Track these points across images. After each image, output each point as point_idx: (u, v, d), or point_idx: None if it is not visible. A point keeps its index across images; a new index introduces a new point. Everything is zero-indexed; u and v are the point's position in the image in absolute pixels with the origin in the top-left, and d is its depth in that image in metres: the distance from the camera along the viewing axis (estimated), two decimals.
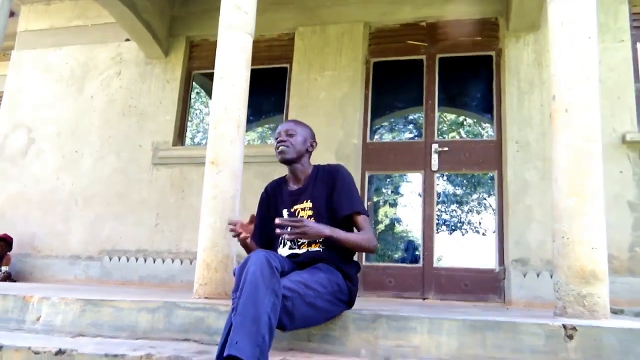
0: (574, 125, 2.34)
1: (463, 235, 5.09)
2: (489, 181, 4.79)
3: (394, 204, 5.52)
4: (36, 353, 2.00)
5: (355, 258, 2.28)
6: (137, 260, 4.90)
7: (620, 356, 1.78)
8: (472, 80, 4.99)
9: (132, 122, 5.26)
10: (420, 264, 4.39)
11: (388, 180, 5.35)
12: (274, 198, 2.33)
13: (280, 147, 2.24)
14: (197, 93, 5.77)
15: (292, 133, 2.27)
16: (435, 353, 1.94)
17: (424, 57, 4.85)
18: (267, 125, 5.78)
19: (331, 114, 4.79)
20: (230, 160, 2.76)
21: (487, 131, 5.02)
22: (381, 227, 5.46)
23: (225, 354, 1.54)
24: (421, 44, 4.88)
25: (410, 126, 5.15)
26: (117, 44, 5.48)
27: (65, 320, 2.38)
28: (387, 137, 5.35)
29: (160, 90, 5.28)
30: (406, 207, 5.31)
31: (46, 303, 2.44)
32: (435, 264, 4.36)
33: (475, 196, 4.86)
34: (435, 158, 4.52)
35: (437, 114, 4.71)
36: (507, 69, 4.51)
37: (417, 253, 4.59)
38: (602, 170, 2.31)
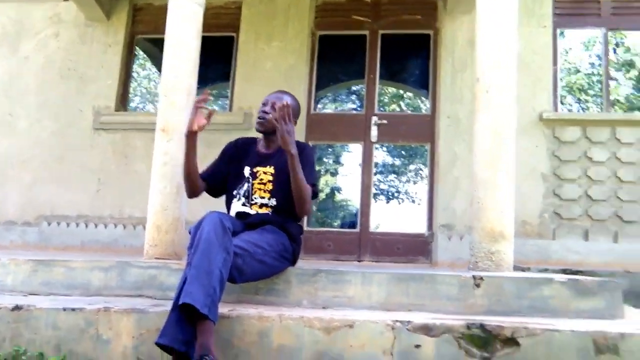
0: (493, 105, 2.66)
1: (398, 203, 5.44)
2: (423, 153, 5.15)
3: (334, 173, 5.80)
4: None
5: (300, 223, 2.51)
6: (77, 225, 4.91)
7: (517, 300, 2.14)
8: (412, 57, 5.28)
9: (71, 86, 5.16)
10: (357, 230, 4.70)
11: (330, 150, 5.60)
12: (241, 153, 2.48)
13: (260, 119, 2.40)
14: (142, 58, 5.71)
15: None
16: (367, 302, 2.22)
17: (367, 32, 5.05)
18: (213, 92, 5.83)
19: (277, 85, 4.86)
20: (181, 128, 2.87)
21: (425, 105, 5.34)
22: (322, 195, 5.73)
23: (180, 302, 1.73)
24: (365, 19, 5.07)
25: (352, 98, 5.39)
26: (54, 3, 5.30)
27: (16, 280, 2.47)
28: (330, 108, 5.58)
29: (102, 54, 5.20)
30: (346, 176, 5.61)
31: None
32: (371, 229, 4.68)
33: (409, 167, 5.20)
34: (374, 130, 4.79)
35: (378, 88, 4.97)
36: (443, 48, 4.81)
37: (354, 219, 4.90)
38: (516, 146, 2.65)
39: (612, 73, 9.99)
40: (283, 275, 2.31)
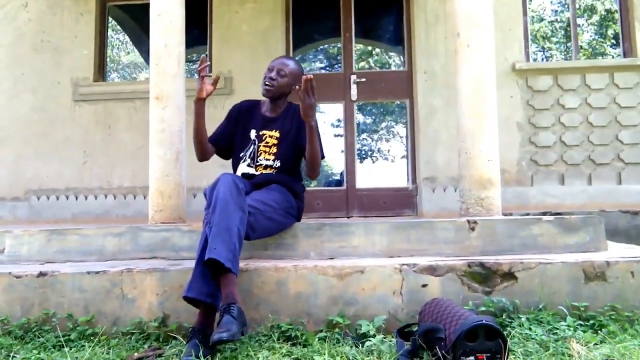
0: (474, 59, 2.79)
1: (381, 159, 5.60)
2: (402, 109, 5.29)
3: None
4: (18, 277, 2.19)
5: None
6: (67, 198, 4.93)
7: (509, 239, 2.34)
8: (385, 13, 5.33)
9: (46, 58, 5.07)
10: (344, 187, 4.86)
11: None
12: (246, 115, 2.58)
13: (267, 85, 2.48)
14: (112, 27, 5.60)
15: (283, 74, 2.49)
16: (371, 250, 2.39)
17: None
18: (189, 56, 5.78)
19: (255, 47, 4.95)
20: (174, 95, 2.94)
21: (394, 60, 5.44)
22: None
23: (206, 257, 1.86)
24: None
25: (330, 57, 5.44)
26: None
27: (31, 249, 2.55)
28: (308, 69, 5.62)
29: (74, 24, 5.09)
30: (329, 136, 5.72)
31: (9, 235, 2.57)
32: (357, 186, 4.85)
33: (390, 123, 5.34)
34: (354, 89, 4.89)
35: (354, 46, 5.03)
36: (415, 3, 4.88)
37: (341, 178, 5.05)
38: (496, 96, 2.80)
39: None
40: (290, 231, 2.45)
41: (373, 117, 5.51)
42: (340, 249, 2.41)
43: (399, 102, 5.23)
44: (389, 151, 5.47)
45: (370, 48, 5.92)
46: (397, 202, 4.81)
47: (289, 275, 2.10)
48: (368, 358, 1.68)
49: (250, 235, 2.15)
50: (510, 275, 2.01)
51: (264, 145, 2.52)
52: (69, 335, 2.06)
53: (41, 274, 2.18)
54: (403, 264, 2.07)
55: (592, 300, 1.99)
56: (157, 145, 2.89)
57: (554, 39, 10.06)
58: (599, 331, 1.84)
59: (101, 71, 5.17)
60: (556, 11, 10.05)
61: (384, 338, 1.80)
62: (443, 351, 1.49)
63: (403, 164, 5.16)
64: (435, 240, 2.38)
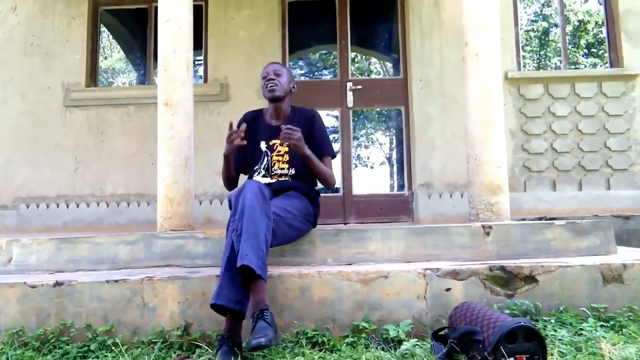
0: (482, 67, 2.85)
1: (377, 165, 5.64)
2: (397, 116, 5.35)
3: None
4: (33, 287, 2.14)
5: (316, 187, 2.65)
6: (58, 206, 4.82)
7: (523, 244, 2.39)
8: (381, 22, 5.40)
9: (37, 62, 4.97)
10: (340, 194, 4.88)
11: None
12: (252, 129, 2.58)
13: (271, 86, 2.51)
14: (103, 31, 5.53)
15: (279, 73, 2.54)
16: (387, 255, 2.41)
17: None
18: None
19: (251, 53, 4.94)
20: (183, 101, 2.92)
21: (383, 68, 5.51)
22: None
23: (238, 264, 1.85)
24: None
25: (326, 65, 5.47)
26: None
27: (40, 259, 2.49)
28: (304, 76, 5.64)
29: (66, 27, 5.01)
30: None
31: (16, 245, 2.51)
32: (354, 192, 4.87)
33: (386, 130, 5.38)
34: (350, 96, 4.93)
35: (350, 53, 5.08)
36: (410, 11, 4.96)
37: (337, 184, 5.07)
38: (502, 103, 2.87)
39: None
40: (307, 237, 2.45)
41: (369, 123, 5.54)
42: (358, 254, 2.43)
43: (394, 110, 5.27)
44: (384, 158, 5.51)
45: (365, 56, 5.96)
46: (394, 208, 4.85)
47: (313, 281, 2.11)
48: None
49: (272, 243, 2.15)
50: (531, 279, 2.06)
51: (276, 155, 2.54)
52: (89, 345, 2.02)
53: (57, 284, 2.13)
54: (426, 269, 2.10)
55: (611, 302, 2.05)
56: (166, 151, 2.87)
57: (543, 49, 10.33)
58: (620, 332, 1.89)
59: (93, 76, 5.09)
60: (534, 21, 10.35)
61: (417, 342, 1.81)
62: (484, 353, 1.52)
63: (399, 170, 5.21)
64: (451, 245, 2.41)
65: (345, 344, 1.94)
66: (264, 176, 2.52)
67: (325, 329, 2.04)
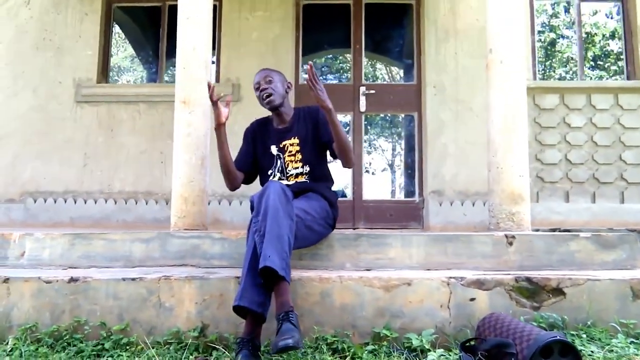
0: (506, 74, 2.81)
1: (388, 171, 5.60)
2: (410, 122, 5.31)
3: None
4: (48, 282, 2.09)
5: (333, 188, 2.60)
6: (65, 201, 4.78)
7: (547, 255, 2.34)
8: (396, 27, 5.38)
9: (48, 57, 4.93)
10: (350, 198, 4.83)
11: None
12: (261, 134, 2.55)
13: (267, 96, 2.45)
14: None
15: (270, 79, 2.48)
16: (407, 262, 2.36)
17: (351, 1, 5.09)
18: None
19: (264, 55, 4.91)
20: (201, 100, 2.88)
21: (407, 75, 5.48)
22: None
23: (260, 265, 1.80)
24: None
25: (339, 68, 5.44)
26: None
27: (53, 254, 2.44)
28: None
29: (79, 23, 4.98)
30: None
31: (29, 239, 2.47)
32: (363, 198, 4.83)
33: (397, 135, 5.34)
34: (363, 100, 4.89)
35: (364, 58, 5.04)
36: (426, 18, 4.93)
37: (347, 189, 5.03)
38: (526, 112, 2.82)
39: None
40: (326, 241, 2.41)
41: (381, 129, 5.51)
42: (377, 260, 2.38)
43: (407, 115, 5.23)
44: (395, 163, 5.47)
45: (378, 61, 5.93)
46: (404, 215, 4.81)
47: (334, 286, 2.06)
48: None
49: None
50: (558, 291, 2.01)
51: (288, 155, 2.49)
52: (103, 344, 1.97)
53: (72, 280, 2.08)
54: (450, 277, 2.05)
55: None
56: (183, 150, 2.83)
57: (560, 59, 10.29)
58: None
59: (104, 72, 5.05)
60: (544, 30, 10.31)
61: (443, 353, 1.76)
62: None
63: (410, 176, 5.17)
64: (473, 254, 2.36)
65: (366, 352, 1.89)
66: (279, 179, 2.48)
67: (345, 336, 1.99)
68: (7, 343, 1.95)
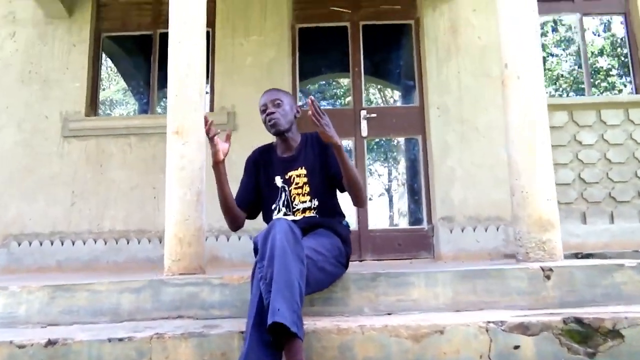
0: (524, 90, 2.59)
1: (394, 198, 5.35)
2: (414, 145, 5.09)
3: None
4: (21, 347, 1.80)
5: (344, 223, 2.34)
6: (52, 243, 4.48)
7: (590, 288, 2.08)
8: (395, 48, 5.21)
9: (34, 90, 4.70)
10: (356, 228, 4.56)
11: None
12: (264, 165, 2.30)
13: (272, 120, 2.20)
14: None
15: (278, 102, 2.24)
16: (433, 303, 2.09)
17: (348, 24, 4.92)
18: None
19: (260, 81, 4.69)
20: (196, 129, 2.63)
21: (407, 98, 5.29)
22: None
23: (270, 321, 1.53)
24: (344, 10, 4.94)
25: (337, 92, 5.25)
26: (7, 0, 4.81)
27: (30, 309, 2.15)
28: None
29: (66, 54, 4.77)
30: None
31: (3, 294, 2.18)
32: (369, 227, 4.56)
33: (402, 160, 5.11)
34: (364, 124, 4.67)
35: (363, 81, 4.85)
36: (426, 38, 4.75)
37: (351, 218, 4.76)
38: (548, 130, 2.59)
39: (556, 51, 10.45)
40: (339, 282, 2.14)
41: (384, 153, 5.29)
42: (398, 302, 2.11)
43: (410, 139, 5.02)
44: (401, 190, 5.22)
45: (378, 83, 5.75)
46: (413, 244, 4.54)
47: (354, 338, 1.78)
48: None
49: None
50: (614, 333, 1.74)
51: (294, 188, 2.23)
52: None
53: (50, 343, 1.79)
54: (489, 322, 1.78)
55: None
56: (176, 184, 2.56)
57: (549, 77, 10.23)
58: None
59: (93, 105, 4.82)
60: (567, 46, 10.25)
61: None
62: None
63: (417, 203, 4.92)
64: (507, 290, 2.10)
65: None
66: (285, 214, 2.22)
67: None
68: None
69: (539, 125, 2.55)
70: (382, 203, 5.33)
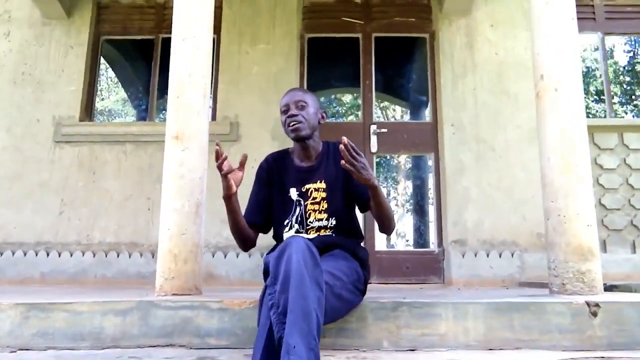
0: (562, 103, 2.36)
1: (404, 218, 5.10)
2: (426, 163, 4.86)
3: None
4: None
5: (362, 244, 2.08)
6: (37, 254, 4.19)
7: None
8: (408, 61, 5.01)
9: (27, 93, 4.47)
10: None
11: None
12: (278, 174, 2.03)
13: (294, 124, 1.94)
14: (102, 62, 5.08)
15: (303, 104, 1.97)
16: (463, 339, 1.82)
17: (359, 35, 4.73)
18: None
19: (265, 91, 4.49)
20: (197, 134, 2.39)
21: (419, 113, 5.07)
22: None
23: None
24: (357, 21, 4.75)
25: (347, 106, 5.03)
26: None
27: (1, 330, 1.87)
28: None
29: (62, 57, 4.55)
30: None
31: None
32: (376, 248, 4.29)
33: (413, 178, 4.87)
34: (374, 140, 4.44)
35: (374, 94, 4.63)
36: (441, 52, 4.56)
37: None
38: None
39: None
40: (355, 311, 1.86)
41: (395, 171, 5.05)
42: (423, 337, 1.83)
43: (423, 156, 4.78)
44: (412, 210, 4.97)
45: (390, 97, 5.54)
46: (422, 267, 4.26)
47: None
48: None
49: None
50: None
51: (311, 203, 1.96)
52: None
53: None
54: None
55: None
56: (173, 194, 2.30)
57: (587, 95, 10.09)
58: None
59: (88, 110, 4.58)
60: (588, 68, 10.08)
61: None
62: None
63: (427, 224, 4.66)
64: (547, 327, 1.83)
65: None
66: (297, 231, 1.95)
67: None
68: None
69: (578, 141, 2.31)
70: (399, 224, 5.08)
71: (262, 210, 2.00)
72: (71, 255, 4.19)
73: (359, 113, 4.61)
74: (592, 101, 9.76)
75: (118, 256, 4.19)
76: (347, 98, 5.31)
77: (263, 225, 2.02)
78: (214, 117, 4.49)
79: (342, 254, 1.85)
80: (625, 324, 1.83)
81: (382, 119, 5.54)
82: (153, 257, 4.09)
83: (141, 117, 5.67)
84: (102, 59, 4.99)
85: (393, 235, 5.06)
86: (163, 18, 4.70)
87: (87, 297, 2.15)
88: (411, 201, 5.23)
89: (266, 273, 1.53)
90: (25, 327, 1.87)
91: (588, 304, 1.85)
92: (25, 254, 4.18)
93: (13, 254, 4.18)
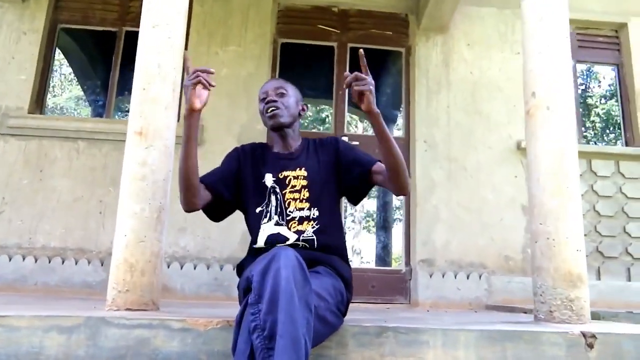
0: (554, 123, 2.28)
1: (371, 235, 4.94)
2: None
3: None
4: None
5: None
6: None
7: None
8: (384, 75, 4.90)
9: None
10: None
11: None
12: (253, 160, 1.84)
13: (272, 110, 1.77)
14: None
15: (282, 92, 1.82)
16: None
17: (335, 44, 4.60)
18: None
19: (234, 95, 4.27)
20: (164, 130, 2.16)
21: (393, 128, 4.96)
22: None
23: None
24: (333, 29, 4.62)
25: (319, 115, 4.86)
26: None
27: None
28: None
29: (14, 43, 4.19)
30: None
31: None
32: None
33: (382, 194, 4.74)
34: None
35: (347, 106, 4.49)
36: (416, 68, 4.48)
37: None
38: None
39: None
40: (334, 336, 1.67)
41: None
42: None
43: None
44: (379, 227, 4.83)
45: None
46: (388, 287, 4.12)
47: None
48: None
49: None
50: None
51: (290, 192, 1.77)
52: None
53: None
54: None
55: None
56: (132, 197, 2.05)
57: None
58: None
59: (39, 102, 4.23)
60: None
61: None
62: None
63: (395, 242, 4.53)
64: (541, 359, 1.69)
65: None
66: (277, 223, 1.74)
67: None
68: None
69: (569, 162, 2.23)
70: (356, 240, 4.91)
71: (220, 179, 1.79)
72: (10, 259, 3.80)
73: (330, 125, 4.46)
74: None
75: (63, 262, 3.83)
76: (319, 107, 5.15)
77: (215, 194, 1.77)
78: (178, 119, 4.21)
79: (326, 272, 1.67)
80: (623, 358, 1.71)
81: (355, 128, 5.39)
82: (102, 265, 3.76)
83: (97, 114, 5.31)
84: (57, 49, 4.65)
85: (360, 251, 4.90)
86: (128, 10, 4.40)
87: (26, 309, 1.86)
88: (379, 218, 5.09)
89: (246, 289, 1.32)
90: None
91: (584, 334, 1.73)
92: None
93: None
